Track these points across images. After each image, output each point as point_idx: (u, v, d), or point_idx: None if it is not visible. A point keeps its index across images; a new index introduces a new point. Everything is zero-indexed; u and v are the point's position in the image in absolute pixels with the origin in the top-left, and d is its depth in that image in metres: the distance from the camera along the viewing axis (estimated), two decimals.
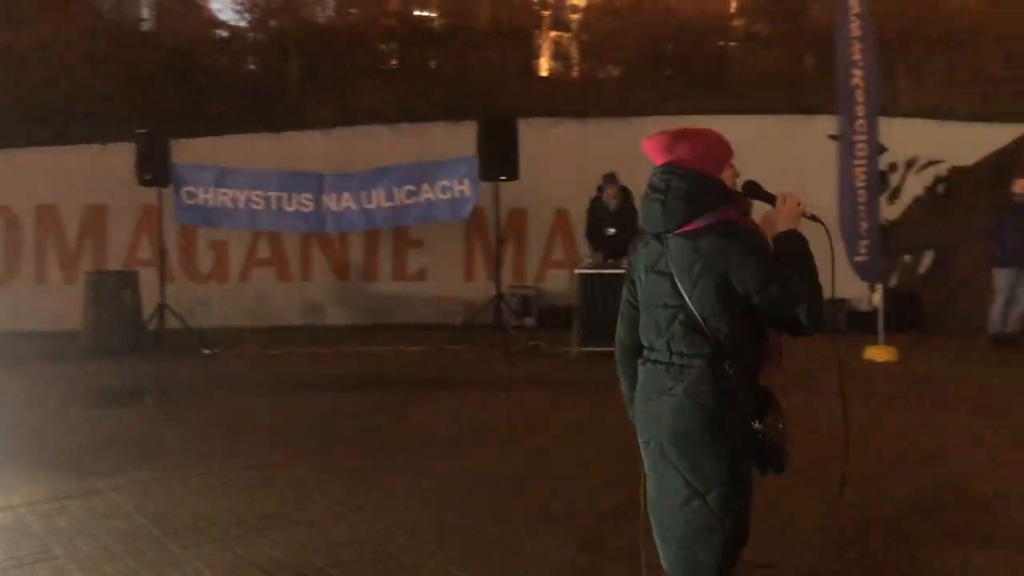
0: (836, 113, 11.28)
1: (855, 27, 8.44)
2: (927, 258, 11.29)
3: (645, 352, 2.68)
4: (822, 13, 13.92)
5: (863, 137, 8.67)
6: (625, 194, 9.20)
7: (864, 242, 8.84)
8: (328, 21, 14.04)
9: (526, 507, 4.50)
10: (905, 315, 10.59)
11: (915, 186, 11.28)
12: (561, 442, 5.79)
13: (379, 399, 7.21)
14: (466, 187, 9.60)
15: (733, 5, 14.95)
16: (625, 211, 9.20)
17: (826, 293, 2.53)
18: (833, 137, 9.15)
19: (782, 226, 2.62)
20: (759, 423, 2.58)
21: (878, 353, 8.64)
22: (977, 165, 11.14)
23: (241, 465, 5.27)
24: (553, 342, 9.21)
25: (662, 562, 2.68)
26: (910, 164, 11.25)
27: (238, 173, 9.80)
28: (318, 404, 7.02)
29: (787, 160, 11.24)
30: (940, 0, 14.25)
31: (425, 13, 14.60)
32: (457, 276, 11.63)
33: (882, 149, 9.07)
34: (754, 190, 2.81)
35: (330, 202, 9.77)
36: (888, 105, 11.36)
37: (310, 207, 9.77)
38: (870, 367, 8.48)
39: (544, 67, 14.82)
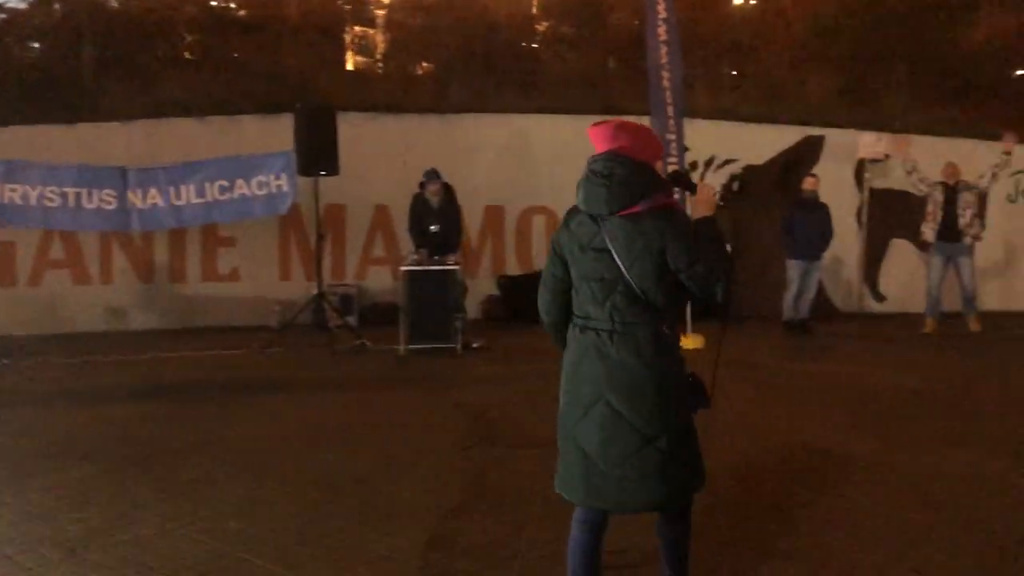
0: (646, 114, 11.95)
1: (662, 31, 8.90)
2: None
3: (580, 321, 2.97)
4: (622, 18, 14.64)
5: (673, 137, 9.15)
6: (447, 191, 9.23)
7: None
8: (122, 6, 13.13)
9: (368, 507, 4.42)
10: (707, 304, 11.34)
11: (713, 183, 11.99)
12: (396, 440, 5.73)
13: (199, 405, 6.81)
14: (283, 182, 9.29)
15: (538, 7, 15.35)
16: (447, 207, 9.24)
17: None
18: None
19: (701, 212, 2.97)
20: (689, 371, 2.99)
21: (688, 341, 9.15)
22: (767, 163, 12.06)
23: (51, 484, 4.83)
24: (378, 341, 9.10)
25: (592, 503, 2.97)
26: (708, 163, 12.01)
27: (29, 167, 8.94)
28: (132, 414, 6.52)
29: None
30: (726, 8, 15.34)
31: (230, 4, 13.99)
32: (272, 275, 11.20)
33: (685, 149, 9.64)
34: (678, 179, 3.24)
35: (135, 198, 9.13)
36: (687, 107, 12.12)
37: (113, 204, 9.08)
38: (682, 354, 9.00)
39: (351, 62, 14.62)
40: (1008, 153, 10.09)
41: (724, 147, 11.99)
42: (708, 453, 3.13)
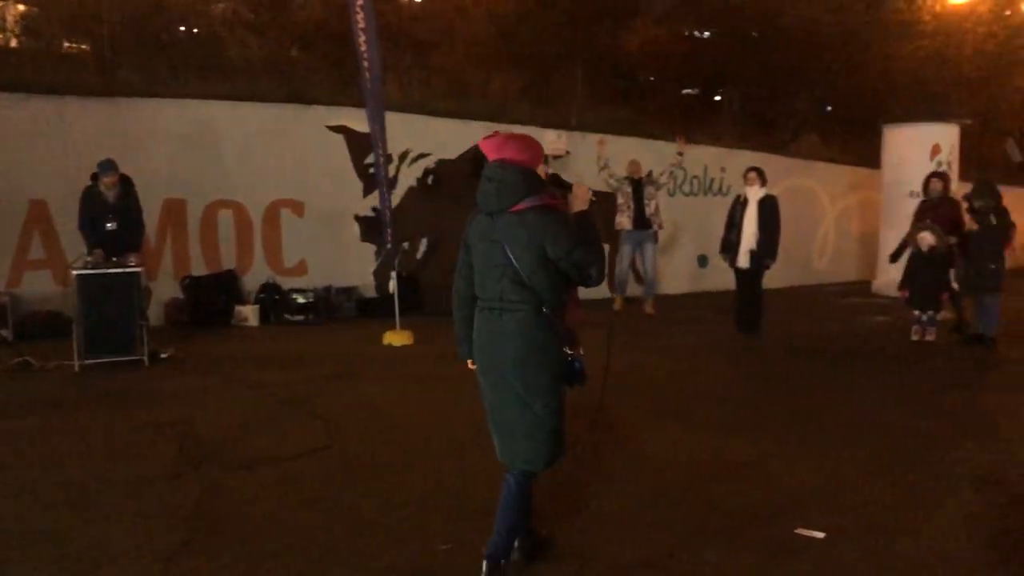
0: (336, 104, 11.61)
1: (360, 18, 8.63)
2: (423, 245, 12.15)
3: (480, 301, 3.49)
4: (306, 8, 14.15)
5: (378, 127, 8.98)
6: (125, 183, 8.22)
7: (389, 230, 9.24)
8: None
9: (64, 562, 3.73)
10: (408, 300, 11.30)
11: (408, 177, 12.02)
12: (87, 473, 4.92)
13: None
14: None
15: None
16: (125, 202, 8.23)
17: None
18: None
19: (577, 207, 3.52)
20: (569, 350, 3.44)
21: (396, 337, 9.05)
22: (458, 158, 12.25)
23: None
24: (44, 356, 7.86)
25: (500, 457, 3.54)
26: (403, 156, 11.95)
27: None
28: None
29: (288, 150, 11.23)
30: (407, 4, 15.41)
31: None
32: None
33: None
34: (557, 181, 3.97)
35: None
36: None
37: None
38: (390, 351, 8.85)
39: None
40: (681, 153, 11.46)
41: (417, 141, 12.00)
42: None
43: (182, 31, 12.73)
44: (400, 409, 6.49)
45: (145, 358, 7.87)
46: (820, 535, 3.94)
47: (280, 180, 11.15)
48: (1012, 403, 6.71)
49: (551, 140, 12.57)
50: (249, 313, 10.39)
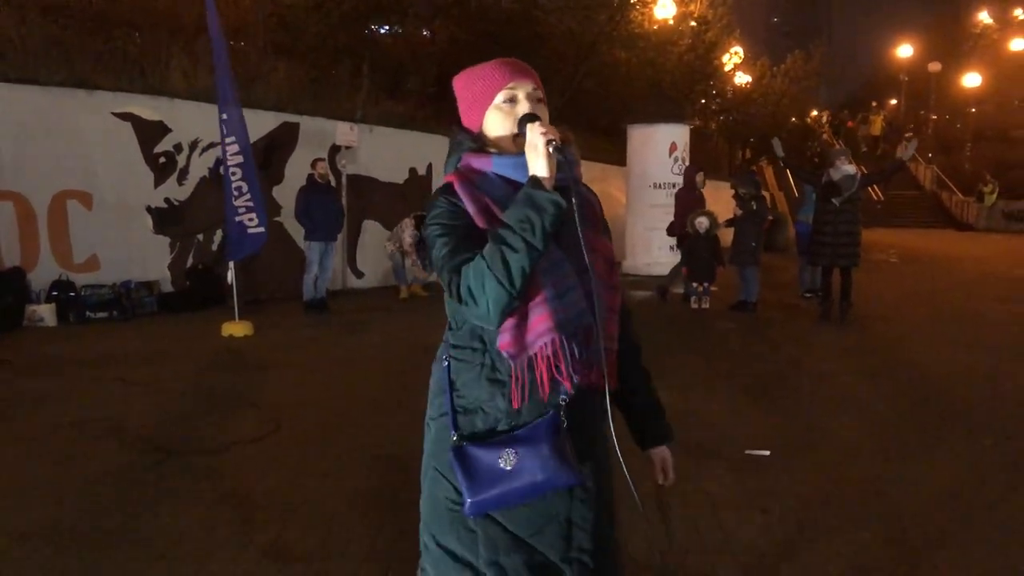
0: (119, 90, 10.98)
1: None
2: (218, 235, 11.84)
3: None
4: None
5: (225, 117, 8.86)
6: None
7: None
8: None
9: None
10: (207, 291, 11.06)
11: (200, 167, 11.66)
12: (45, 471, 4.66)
13: None
14: None
15: None
16: None
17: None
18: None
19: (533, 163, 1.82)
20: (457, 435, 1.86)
21: (236, 328, 8.94)
22: (252, 147, 12.07)
23: None
24: None
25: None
26: (193, 145, 11.58)
27: None
28: None
29: (70, 137, 10.47)
30: None
31: None
32: None
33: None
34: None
35: None
36: (167, 86, 11.52)
37: None
38: (231, 341, 8.75)
39: None
40: None
41: (206, 129, 11.66)
42: None
43: None
44: (331, 391, 6.64)
45: None
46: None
47: (65, 170, 10.36)
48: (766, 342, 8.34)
49: (345, 132, 12.82)
50: (45, 312, 9.63)
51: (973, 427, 5.56)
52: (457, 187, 1.87)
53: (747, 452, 4.90)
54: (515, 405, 1.80)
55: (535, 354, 1.79)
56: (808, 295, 11.50)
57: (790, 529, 3.83)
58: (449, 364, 1.90)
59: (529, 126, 1.83)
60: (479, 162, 1.92)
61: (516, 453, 1.77)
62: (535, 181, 1.78)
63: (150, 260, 11.12)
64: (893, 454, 5.01)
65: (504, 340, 1.79)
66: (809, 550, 3.63)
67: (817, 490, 4.36)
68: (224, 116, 8.83)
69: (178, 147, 11.43)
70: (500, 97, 1.93)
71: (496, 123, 1.93)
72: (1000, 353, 8.14)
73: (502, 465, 1.77)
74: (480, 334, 1.85)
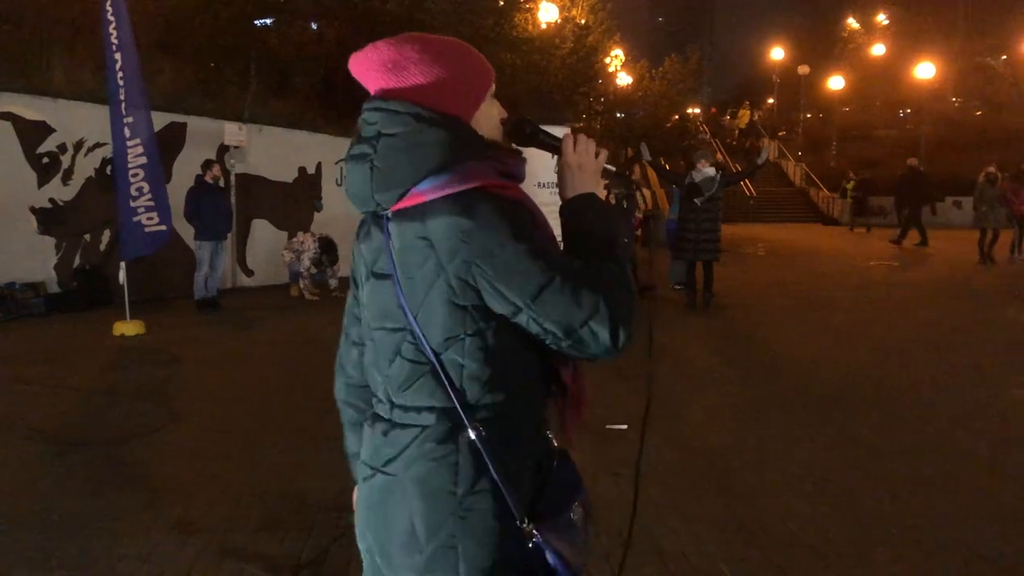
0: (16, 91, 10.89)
1: (109, 8, 8.62)
2: (106, 235, 11.82)
3: (373, 403, 1.65)
4: None
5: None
6: None
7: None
8: None
9: None
10: (96, 291, 11.08)
11: (86, 167, 11.62)
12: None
13: None
14: None
15: None
16: None
17: None
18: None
19: (576, 185, 1.65)
20: (530, 524, 1.50)
21: (128, 327, 9.08)
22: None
23: None
24: None
25: None
26: (79, 146, 11.54)
27: None
28: None
29: None
30: None
31: None
32: None
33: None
34: (520, 131, 1.71)
35: None
36: (49, 86, 11.44)
37: None
38: (123, 340, 8.90)
39: None
40: None
41: (93, 129, 11.64)
42: None
43: None
44: (227, 384, 6.94)
45: None
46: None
47: None
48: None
49: (233, 132, 12.95)
50: None
51: (814, 400, 6.38)
52: (520, 196, 1.56)
53: (608, 427, 5.53)
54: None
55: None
56: (678, 286, 12.34)
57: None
58: (481, 435, 1.47)
59: (584, 139, 1.69)
60: (518, 167, 1.62)
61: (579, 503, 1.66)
62: (596, 200, 1.64)
63: (35, 261, 11.04)
64: (738, 425, 5.75)
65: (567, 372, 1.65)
66: (651, 505, 4.27)
67: (666, 459, 5.02)
68: (130, 119, 8.97)
69: (62, 147, 11.37)
70: (492, 89, 1.65)
71: (491, 119, 1.64)
72: (845, 335, 9.12)
73: (574, 518, 1.61)
74: (533, 369, 1.57)
